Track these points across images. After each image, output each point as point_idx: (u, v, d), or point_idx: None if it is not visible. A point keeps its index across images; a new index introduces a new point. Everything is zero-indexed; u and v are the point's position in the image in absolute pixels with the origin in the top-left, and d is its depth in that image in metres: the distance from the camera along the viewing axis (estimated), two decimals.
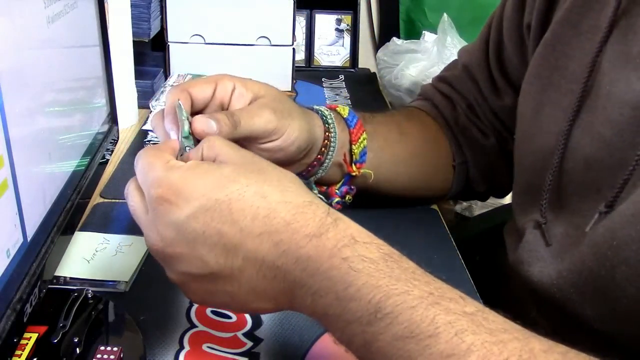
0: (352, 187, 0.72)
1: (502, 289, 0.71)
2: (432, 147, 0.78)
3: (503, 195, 0.87)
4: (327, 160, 0.68)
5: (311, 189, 0.69)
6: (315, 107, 0.70)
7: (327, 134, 0.67)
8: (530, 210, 0.63)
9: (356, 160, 0.70)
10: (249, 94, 0.60)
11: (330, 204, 0.65)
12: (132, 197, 0.46)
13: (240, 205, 0.41)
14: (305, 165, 0.67)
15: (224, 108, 0.59)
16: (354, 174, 0.70)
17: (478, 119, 0.79)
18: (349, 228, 0.41)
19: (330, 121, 0.68)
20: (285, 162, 0.62)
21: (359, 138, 0.70)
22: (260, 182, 0.42)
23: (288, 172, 0.45)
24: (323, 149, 0.67)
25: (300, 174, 0.67)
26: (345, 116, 0.70)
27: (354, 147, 0.69)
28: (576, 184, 0.57)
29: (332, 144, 0.68)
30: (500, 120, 0.78)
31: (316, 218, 0.40)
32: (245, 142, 0.57)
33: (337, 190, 0.71)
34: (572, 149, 0.57)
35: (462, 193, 0.82)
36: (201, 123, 0.51)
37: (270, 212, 0.40)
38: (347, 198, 0.72)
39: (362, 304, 0.37)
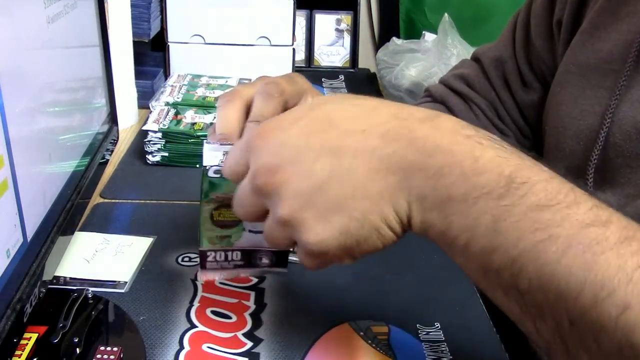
0: None
1: None
2: None
3: None
4: None
5: None
6: None
7: None
8: None
9: None
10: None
11: None
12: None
13: (337, 114, 0.39)
14: None
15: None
16: None
17: (498, 118, 0.80)
18: (462, 120, 0.38)
19: None
20: None
21: None
22: (352, 97, 0.41)
23: None
24: None
25: None
26: None
27: None
28: (626, 157, 0.59)
29: None
30: (525, 116, 0.79)
31: (423, 110, 0.38)
32: None
33: None
34: (621, 123, 0.59)
35: None
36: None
37: (371, 111, 0.39)
38: None
39: (493, 177, 0.35)
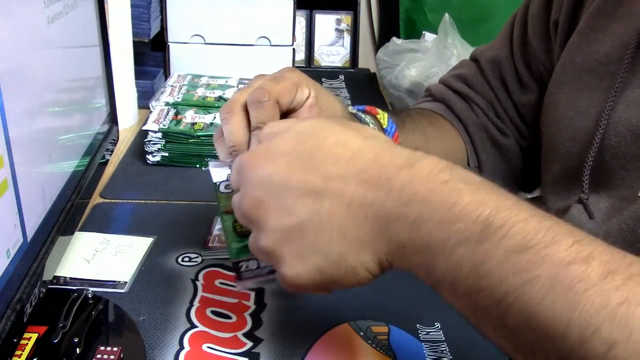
0: None
1: None
2: (450, 152, 0.78)
3: None
4: None
5: None
6: (360, 112, 0.68)
7: None
8: (567, 193, 0.66)
9: None
10: (317, 109, 0.58)
11: None
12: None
13: (322, 154, 0.40)
14: None
15: (290, 112, 0.57)
16: None
17: (497, 117, 0.80)
18: (442, 160, 0.39)
19: (370, 123, 0.67)
20: None
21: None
22: (338, 132, 0.41)
23: (367, 127, 0.44)
24: None
25: None
26: (384, 126, 0.69)
27: None
28: (621, 158, 0.59)
29: None
30: (522, 117, 0.79)
31: (403, 154, 0.39)
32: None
33: None
34: (616, 125, 0.59)
35: None
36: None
37: (353, 155, 0.39)
38: None
39: (470, 222, 0.35)
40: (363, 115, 0.67)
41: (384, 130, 0.69)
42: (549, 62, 0.72)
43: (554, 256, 0.33)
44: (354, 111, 0.67)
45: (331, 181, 0.39)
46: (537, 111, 0.73)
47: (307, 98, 0.57)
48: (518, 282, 0.34)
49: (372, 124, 0.67)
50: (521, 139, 0.80)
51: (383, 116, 0.69)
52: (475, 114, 0.80)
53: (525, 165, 0.80)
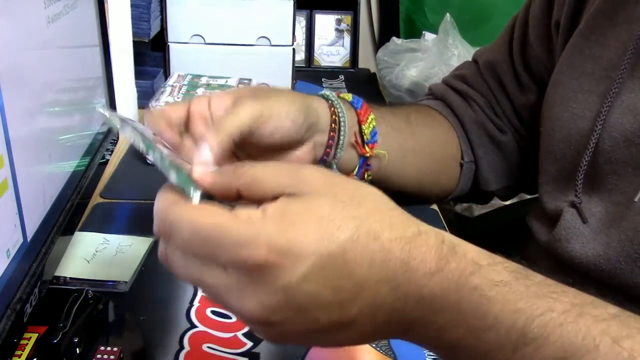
0: (369, 164, 0.71)
1: None
2: (441, 142, 0.78)
3: (512, 196, 0.87)
4: (341, 138, 0.67)
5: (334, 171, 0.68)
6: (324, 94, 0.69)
7: (332, 109, 0.67)
8: (562, 196, 0.66)
9: (367, 140, 0.69)
10: (227, 98, 0.56)
11: None
12: (200, 271, 0.36)
13: (356, 253, 0.35)
14: (322, 146, 0.66)
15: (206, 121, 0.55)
16: (367, 154, 0.69)
17: (495, 116, 0.80)
18: (469, 252, 0.36)
19: (333, 99, 0.67)
20: (291, 142, 0.60)
21: (367, 118, 0.69)
22: (364, 215, 0.36)
23: (369, 187, 0.39)
24: (333, 124, 0.66)
25: (321, 159, 0.67)
26: (349, 100, 0.70)
27: (363, 127, 0.69)
28: (614, 163, 0.60)
29: (341, 119, 0.67)
30: (520, 117, 0.79)
31: (432, 250, 0.36)
32: (246, 142, 0.54)
33: (354, 176, 0.70)
34: (611, 129, 0.60)
35: (466, 194, 0.82)
36: (197, 157, 0.43)
37: (385, 254, 0.35)
38: (366, 176, 0.71)
39: (503, 333, 0.34)
40: (327, 94, 0.68)
41: (349, 102, 0.69)
42: (550, 63, 0.72)
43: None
44: (321, 93, 0.68)
45: (364, 288, 0.35)
46: (536, 112, 0.73)
47: (209, 101, 0.54)
48: None
49: (331, 94, 0.68)
50: (520, 139, 0.80)
51: (346, 95, 0.70)
52: (474, 110, 0.80)
53: (525, 165, 0.80)
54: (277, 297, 0.34)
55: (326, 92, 0.69)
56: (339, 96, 0.70)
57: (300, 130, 0.61)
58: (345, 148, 0.68)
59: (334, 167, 0.68)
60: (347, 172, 0.70)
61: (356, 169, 0.71)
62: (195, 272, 0.36)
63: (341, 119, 0.67)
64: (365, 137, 0.69)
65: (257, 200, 0.36)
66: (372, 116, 0.70)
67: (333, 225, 0.35)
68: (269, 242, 0.34)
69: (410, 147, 0.75)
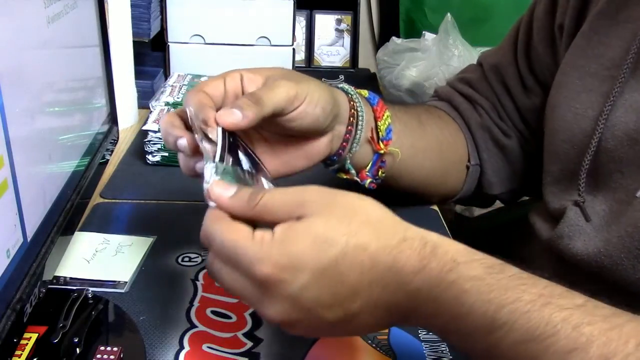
0: (384, 161, 0.71)
1: None
2: (449, 143, 0.78)
3: (515, 200, 0.87)
4: (359, 132, 0.67)
5: (348, 169, 0.69)
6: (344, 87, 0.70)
7: (352, 103, 0.67)
8: (565, 195, 0.66)
9: (382, 137, 0.69)
10: (259, 77, 0.58)
11: (364, 186, 0.70)
12: (231, 279, 0.44)
13: (347, 264, 0.42)
14: (339, 139, 0.66)
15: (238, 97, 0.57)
16: (381, 151, 0.69)
17: (500, 120, 0.80)
18: (448, 252, 0.42)
19: (352, 92, 0.68)
20: (316, 130, 0.61)
21: (383, 115, 0.69)
22: (354, 230, 0.42)
23: (362, 199, 0.45)
24: (351, 118, 0.66)
25: (337, 152, 0.67)
26: (366, 96, 0.70)
27: (379, 123, 0.69)
28: (617, 162, 0.60)
29: (359, 113, 0.67)
30: (525, 121, 0.79)
31: (415, 253, 0.42)
32: (273, 119, 0.56)
33: (367, 173, 0.70)
34: (614, 128, 0.60)
35: (470, 197, 0.82)
36: (225, 115, 0.51)
37: (373, 262, 0.42)
38: (380, 173, 0.71)
39: (477, 318, 0.40)
40: (347, 87, 0.69)
41: (366, 98, 0.69)
42: (555, 66, 0.72)
43: (556, 345, 0.37)
44: (341, 86, 0.69)
45: (359, 290, 0.42)
46: (541, 115, 0.73)
47: (242, 78, 0.57)
48: None
49: (350, 88, 0.68)
50: (524, 142, 0.80)
51: (363, 91, 0.70)
52: (479, 114, 0.80)
53: (529, 168, 0.80)
54: (285, 304, 0.42)
55: (345, 85, 0.69)
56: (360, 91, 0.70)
57: (327, 119, 0.62)
58: (361, 143, 0.68)
59: (348, 162, 0.68)
60: (360, 168, 0.70)
61: (369, 166, 0.70)
62: (226, 279, 0.44)
63: (359, 114, 0.67)
64: (380, 133, 0.69)
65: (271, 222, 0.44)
66: (387, 113, 0.70)
67: (326, 242, 0.42)
68: (273, 261, 0.41)
69: (421, 146, 0.75)
